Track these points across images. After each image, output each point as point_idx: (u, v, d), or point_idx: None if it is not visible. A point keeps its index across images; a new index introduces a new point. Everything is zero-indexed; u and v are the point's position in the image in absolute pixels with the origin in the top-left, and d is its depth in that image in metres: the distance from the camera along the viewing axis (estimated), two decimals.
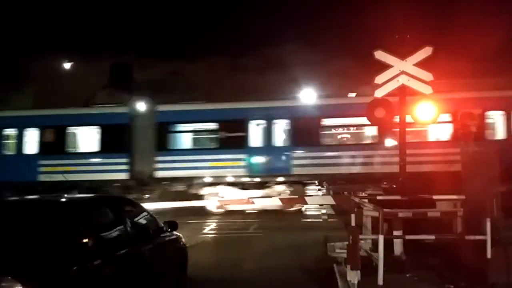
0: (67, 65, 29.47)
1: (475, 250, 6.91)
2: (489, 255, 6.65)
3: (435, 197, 8.54)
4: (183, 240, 7.95)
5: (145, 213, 7.01)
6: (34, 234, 4.96)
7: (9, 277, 4.12)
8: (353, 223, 7.92)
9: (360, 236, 7.15)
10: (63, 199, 6.31)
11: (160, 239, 6.89)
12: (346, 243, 7.29)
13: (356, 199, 8.51)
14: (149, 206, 9.51)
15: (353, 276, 6.76)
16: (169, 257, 7.15)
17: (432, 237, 7.47)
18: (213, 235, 13.35)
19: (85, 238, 5.06)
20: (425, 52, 9.22)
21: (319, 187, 17.67)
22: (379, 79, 9.42)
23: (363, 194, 14.41)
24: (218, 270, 9.18)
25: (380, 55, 9.40)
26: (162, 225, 7.17)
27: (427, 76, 9.24)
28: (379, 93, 9.45)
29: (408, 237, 7.60)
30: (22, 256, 4.55)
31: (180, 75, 35.12)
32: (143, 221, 6.77)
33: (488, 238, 6.63)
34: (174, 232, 7.52)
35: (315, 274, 8.64)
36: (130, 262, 5.75)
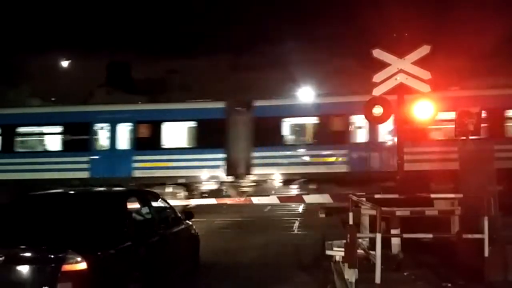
0: (65, 63, 29.44)
1: (473, 248, 6.91)
2: (486, 254, 6.65)
3: (432, 195, 8.54)
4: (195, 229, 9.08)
5: (166, 204, 8.20)
6: (86, 218, 6.07)
7: (70, 250, 5.18)
8: (350, 222, 7.91)
9: (358, 235, 7.14)
10: (106, 191, 7.88)
11: (179, 226, 8.09)
12: (344, 241, 7.28)
13: (354, 198, 8.49)
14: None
15: (351, 275, 6.75)
16: (186, 241, 8.32)
17: (430, 235, 7.45)
18: (211, 233, 13.31)
19: (124, 222, 6.34)
20: (423, 50, 9.23)
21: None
22: (377, 78, 9.42)
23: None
24: (214, 271, 9.18)
25: (378, 53, 9.40)
26: (180, 215, 8.32)
27: (425, 74, 9.25)
28: (377, 92, 9.45)
29: (405, 235, 7.60)
30: (78, 235, 5.63)
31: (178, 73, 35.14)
32: (165, 211, 7.97)
33: (486, 236, 6.63)
34: (188, 222, 8.58)
35: (312, 273, 8.63)
36: (157, 243, 6.91)
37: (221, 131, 17.03)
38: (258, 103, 17.52)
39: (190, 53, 33.48)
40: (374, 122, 11.13)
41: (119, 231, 6.06)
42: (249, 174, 17.09)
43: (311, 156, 16.93)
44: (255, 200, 15.17)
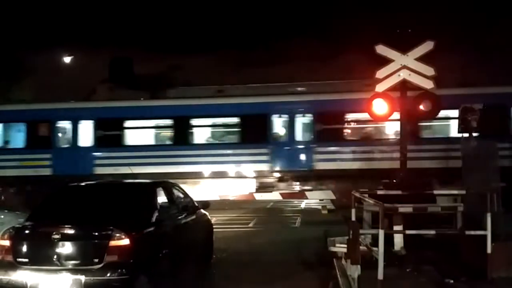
0: (67, 59, 29.37)
1: (476, 245, 6.91)
2: (489, 250, 6.65)
3: (435, 192, 8.53)
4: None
5: (186, 194, 9.08)
6: (126, 203, 7.11)
7: (116, 229, 6.17)
8: (353, 218, 7.92)
9: (360, 231, 7.14)
10: (140, 182, 8.69)
11: (197, 213, 8.96)
12: (346, 237, 7.29)
13: (357, 194, 8.49)
14: None
15: (353, 271, 6.75)
16: (202, 227, 9.16)
17: (432, 232, 7.47)
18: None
19: (156, 207, 7.26)
20: (427, 46, 9.19)
21: None
22: (380, 74, 9.39)
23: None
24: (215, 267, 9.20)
25: (381, 49, 9.36)
26: (197, 204, 9.14)
27: (429, 70, 9.21)
28: (380, 88, 9.42)
29: (408, 232, 7.60)
30: (121, 217, 6.62)
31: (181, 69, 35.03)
32: (185, 200, 8.93)
33: (489, 233, 6.62)
34: (203, 211, 9.38)
35: (315, 269, 8.64)
36: (181, 226, 7.94)
37: None
38: None
39: (194, 49, 33.34)
40: (377, 119, 11.07)
41: (152, 214, 7.08)
42: None
43: None
44: (258, 196, 15.18)
